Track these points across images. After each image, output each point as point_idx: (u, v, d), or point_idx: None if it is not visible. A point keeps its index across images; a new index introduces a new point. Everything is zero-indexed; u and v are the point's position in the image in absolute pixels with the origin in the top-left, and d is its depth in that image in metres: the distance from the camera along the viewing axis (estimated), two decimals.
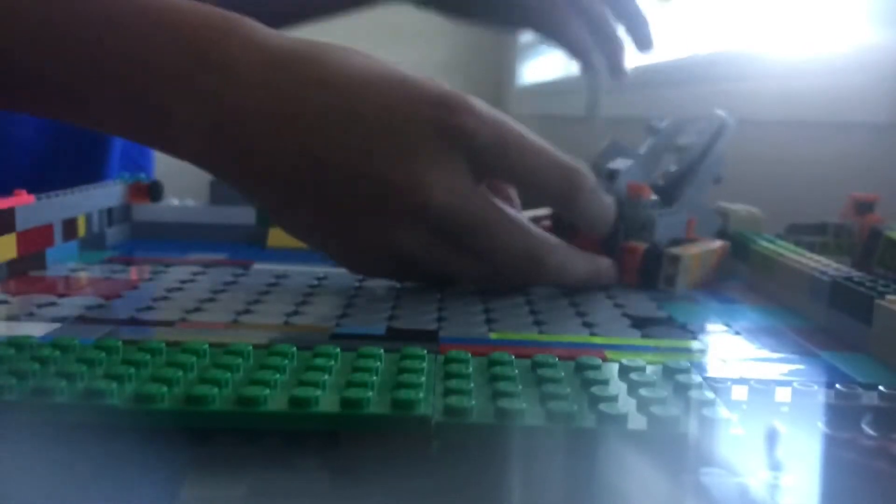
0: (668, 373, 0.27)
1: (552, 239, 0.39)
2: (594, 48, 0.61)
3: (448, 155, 0.36)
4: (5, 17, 0.35)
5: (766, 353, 0.31)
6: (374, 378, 0.25)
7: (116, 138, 0.71)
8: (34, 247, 0.43)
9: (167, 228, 0.54)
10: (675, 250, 0.41)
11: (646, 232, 0.42)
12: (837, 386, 0.26)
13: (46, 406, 0.23)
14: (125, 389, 0.24)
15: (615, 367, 0.27)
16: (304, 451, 0.23)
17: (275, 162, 0.36)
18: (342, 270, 0.41)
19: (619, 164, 0.44)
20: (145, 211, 0.54)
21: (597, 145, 0.47)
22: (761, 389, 0.25)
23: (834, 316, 0.35)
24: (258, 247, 0.52)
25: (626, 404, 0.24)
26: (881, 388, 0.26)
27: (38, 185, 0.46)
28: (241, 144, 0.36)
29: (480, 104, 0.37)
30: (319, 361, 0.26)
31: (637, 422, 0.23)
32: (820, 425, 0.24)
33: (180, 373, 0.24)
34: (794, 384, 0.26)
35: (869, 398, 0.25)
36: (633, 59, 0.63)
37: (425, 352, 0.27)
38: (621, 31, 0.62)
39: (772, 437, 0.23)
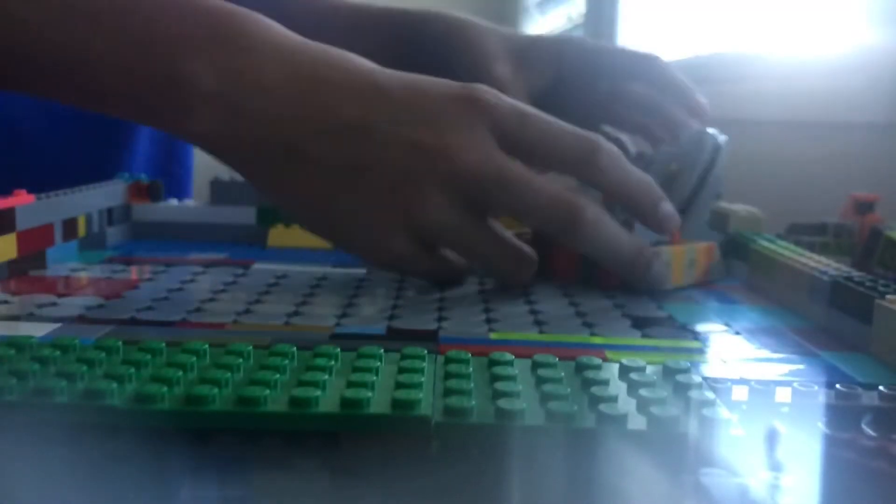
0: (668, 373, 0.27)
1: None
2: None
3: (471, 122, 0.37)
4: None
5: (766, 353, 0.31)
6: (375, 378, 0.25)
7: (136, 139, 0.70)
8: (34, 247, 0.43)
9: (167, 228, 0.54)
10: (658, 247, 0.41)
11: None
12: (837, 386, 0.26)
13: (47, 406, 0.23)
14: (125, 389, 0.24)
15: (615, 367, 0.27)
16: (304, 451, 0.23)
17: (298, 135, 0.36)
18: (342, 270, 0.41)
19: None
20: (145, 211, 0.54)
21: None
22: (761, 389, 0.25)
23: (834, 316, 0.35)
24: (258, 247, 0.52)
25: (626, 404, 0.24)
26: (881, 388, 0.26)
27: (54, 184, 0.46)
28: (262, 117, 0.36)
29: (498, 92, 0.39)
30: (319, 361, 0.26)
31: (637, 422, 0.23)
32: (820, 425, 0.24)
33: (180, 373, 0.24)
34: (794, 384, 0.26)
35: (869, 398, 0.25)
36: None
37: (425, 352, 0.27)
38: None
39: (772, 438, 0.23)
